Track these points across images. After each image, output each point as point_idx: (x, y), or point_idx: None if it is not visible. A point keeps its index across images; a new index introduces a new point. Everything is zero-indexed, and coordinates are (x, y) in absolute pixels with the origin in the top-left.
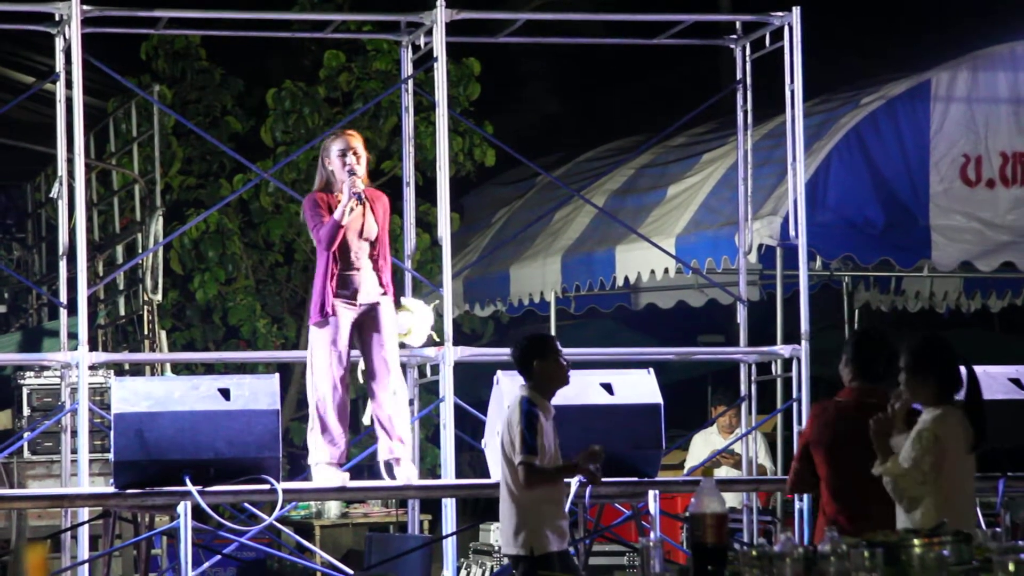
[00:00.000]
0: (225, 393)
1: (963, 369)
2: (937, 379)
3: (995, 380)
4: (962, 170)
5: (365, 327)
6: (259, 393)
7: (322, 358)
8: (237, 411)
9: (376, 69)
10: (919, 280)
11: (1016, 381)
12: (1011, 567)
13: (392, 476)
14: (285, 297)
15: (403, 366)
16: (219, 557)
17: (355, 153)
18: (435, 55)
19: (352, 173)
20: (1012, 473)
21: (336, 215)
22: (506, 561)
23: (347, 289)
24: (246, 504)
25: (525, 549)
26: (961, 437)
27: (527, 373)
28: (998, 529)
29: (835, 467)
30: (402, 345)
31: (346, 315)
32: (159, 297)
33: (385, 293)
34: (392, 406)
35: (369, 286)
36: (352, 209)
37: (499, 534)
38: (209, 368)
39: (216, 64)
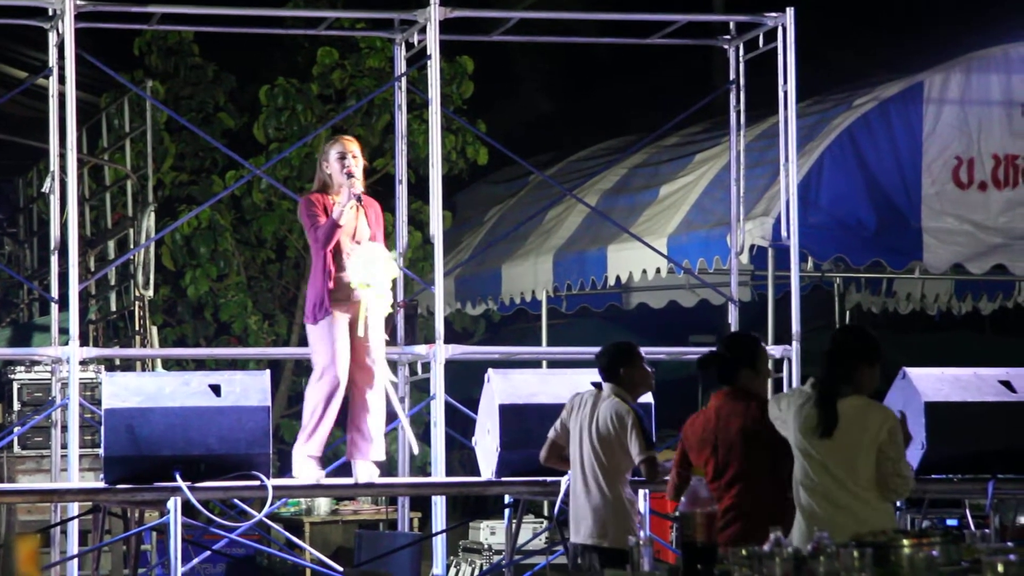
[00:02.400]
0: (216, 389)
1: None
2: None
3: (985, 383)
4: (954, 172)
5: (354, 326)
6: (250, 390)
7: (321, 355)
8: (228, 407)
9: (369, 66)
10: (910, 282)
11: (1006, 384)
12: (1000, 568)
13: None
14: (277, 294)
15: (394, 364)
16: (208, 553)
17: (353, 156)
18: (428, 53)
19: (351, 176)
20: (1001, 475)
21: (334, 215)
22: (496, 559)
23: (340, 289)
24: (236, 500)
25: (619, 543)
26: None
27: (615, 379)
28: (987, 530)
29: (704, 468)
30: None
31: (341, 314)
32: (150, 293)
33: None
34: (376, 405)
35: (363, 312)
36: (352, 208)
37: (579, 527)
38: (200, 364)
39: (209, 60)
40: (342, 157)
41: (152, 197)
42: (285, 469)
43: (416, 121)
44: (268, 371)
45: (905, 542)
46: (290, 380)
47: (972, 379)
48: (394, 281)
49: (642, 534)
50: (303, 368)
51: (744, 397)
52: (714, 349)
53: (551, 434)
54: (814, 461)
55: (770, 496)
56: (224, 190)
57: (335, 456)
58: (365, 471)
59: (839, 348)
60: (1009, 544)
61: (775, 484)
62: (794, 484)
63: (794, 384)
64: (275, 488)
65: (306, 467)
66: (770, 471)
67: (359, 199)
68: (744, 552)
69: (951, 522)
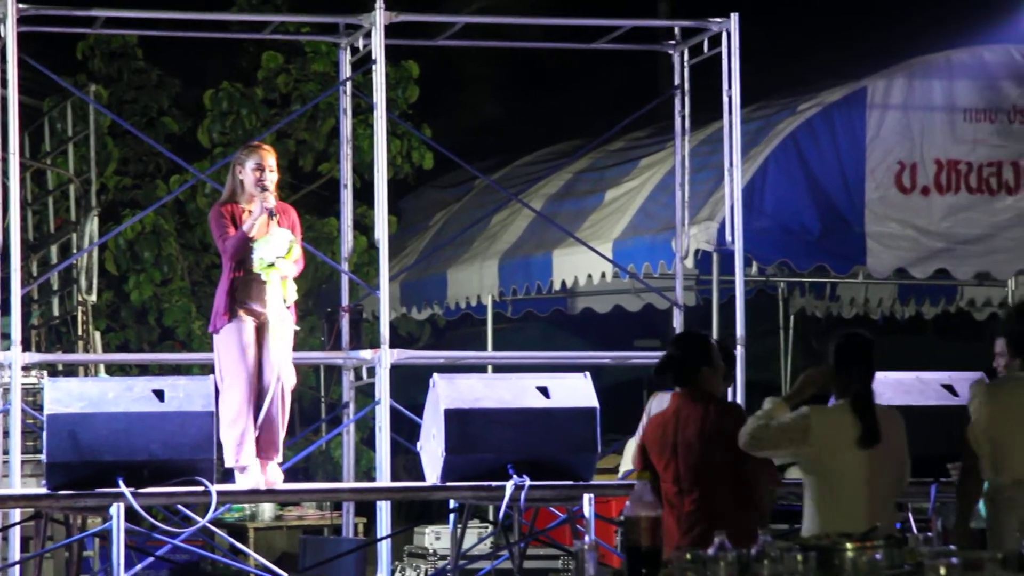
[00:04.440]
0: (159, 395)
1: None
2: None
3: (928, 386)
4: (897, 177)
5: (263, 331)
6: (194, 395)
7: (228, 364)
8: (171, 413)
9: (314, 71)
10: (854, 286)
11: (949, 387)
12: (942, 571)
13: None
14: None
15: (339, 369)
16: (152, 559)
17: (270, 170)
18: (373, 57)
19: (264, 189)
20: (944, 479)
21: (245, 227)
22: (441, 564)
23: (246, 293)
24: (179, 506)
25: None
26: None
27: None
28: (930, 534)
29: (662, 471)
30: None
31: (248, 322)
32: (94, 298)
33: (288, 306)
34: (280, 413)
35: (270, 297)
36: (263, 222)
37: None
38: (143, 369)
39: (153, 64)
40: (259, 169)
41: (95, 201)
42: (229, 475)
43: (361, 126)
44: (212, 376)
45: (848, 545)
46: None
47: (915, 383)
48: (338, 285)
49: (587, 538)
50: None
51: (703, 399)
52: (665, 354)
53: None
54: (853, 470)
55: (731, 499)
56: (168, 195)
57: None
58: (274, 474)
59: (868, 353)
60: (951, 548)
61: (736, 487)
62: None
63: (739, 388)
64: (219, 493)
65: (246, 479)
66: (731, 474)
67: (272, 214)
68: (689, 556)
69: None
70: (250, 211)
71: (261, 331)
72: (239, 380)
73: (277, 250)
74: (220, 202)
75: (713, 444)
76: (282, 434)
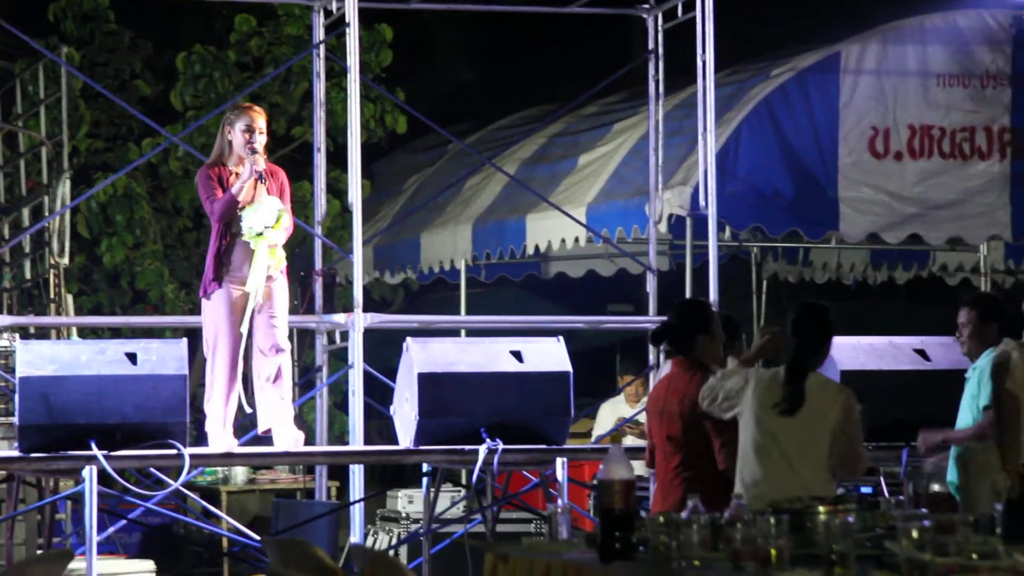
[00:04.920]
0: (132, 358)
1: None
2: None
3: (900, 351)
4: (870, 142)
5: (248, 299)
6: (166, 358)
7: (214, 330)
8: (144, 376)
9: (287, 34)
10: (827, 251)
11: (921, 352)
12: (914, 534)
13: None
14: (193, 262)
15: (312, 332)
16: (124, 522)
17: (260, 132)
18: (347, 20)
19: (254, 151)
20: (915, 443)
21: (233, 190)
22: (414, 528)
23: (233, 261)
24: (152, 469)
25: None
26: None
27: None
28: (902, 497)
29: (656, 435)
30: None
31: (235, 289)
32: (66, 261)
33: (279, 272)
34: (286, 370)
35: (257, 265)
36: (251, 184)
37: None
38: (116, 333)
39: (125, 27)
40: (249, 131)
41: (67, 164)
42: (201, 438)
43: (334, 89)
44: (185, 339)
45: (821, 509)
46: None
47: (887, 348)
48: (311, 248)
49: (560, 502)
50: None
51: (694, 368)
52: (664, 321)
53: None
54: (771, 436)
55: (713, 466)
56: (140, 158)
57: (253, 424)
58: (287, 437)
59: (813, 325)
60: (923, 511)
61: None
62: (744, 456)
63: None
64: (192, 457)
65: (223, 444)
66: (712, 442)
67: (261, 177)
68: (662, 519)
69: (866, 489)
70: (238, 173)
71: (249, 298)
72: (226, 348)
73: (265, 220)
74: (208, 163)
75: (696, 413)
76: (286, 397)
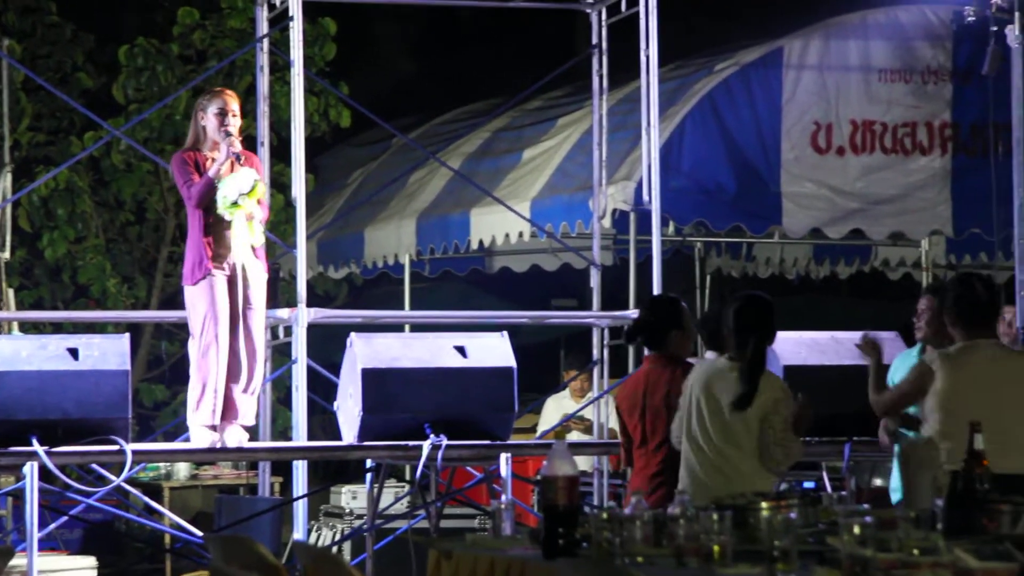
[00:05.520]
0: (74, 353)
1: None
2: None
3: (842, 346)
4: (813, 137)
5: (234, 286)
6: (108, 353)
7: (199, 316)
8: (86, 371)
9: (231, 27)
10: (770, 246)
11: None
12: (856, 529)
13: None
14: (136, 257)
15: None
16: (66, 518)
17: (233, 115)
18: (290, 14)
19: (228, 134)
20: (858, 438)
21: (210, 173)
22: (357, 523)
23: (219, 247)
24: (94, 465)
25: None
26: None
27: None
28: (844, 492)
29: (631, 432)
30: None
31: (220, 274)
32: (7, 255)
33: (256, 255)
34: (254, 368)
35: (237, 239)
36: (228, 166)
37: None
38: (57, 327)
39: (67, 19)
40: (222, 114)
41: (8, 158)
42: (144, 433)
43: (278, 83)
44: (127, 334)
45: (763, 504)
46: (149, 344)
47: (830, 343)
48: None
49: (504, 498)
50: (163, 331)
51: (671, 363)
52: (637, 317)
53: None
54: (710, 428)
55: None
56: (82, 151)
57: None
58: (234, 436)
59: (762, 320)
60: (865, 506)
61: None
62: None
63: None
64: (134, 452)
65: (202, 437)
66: None
67: (238, 158)
68: (605, 515)
69: (808, 485)
70: (214, 158)
71: (233, 282)
72: (209, 337)
73: (240, 186)
74: (183, 149)
75: (676, 409)
76: (247, 394)
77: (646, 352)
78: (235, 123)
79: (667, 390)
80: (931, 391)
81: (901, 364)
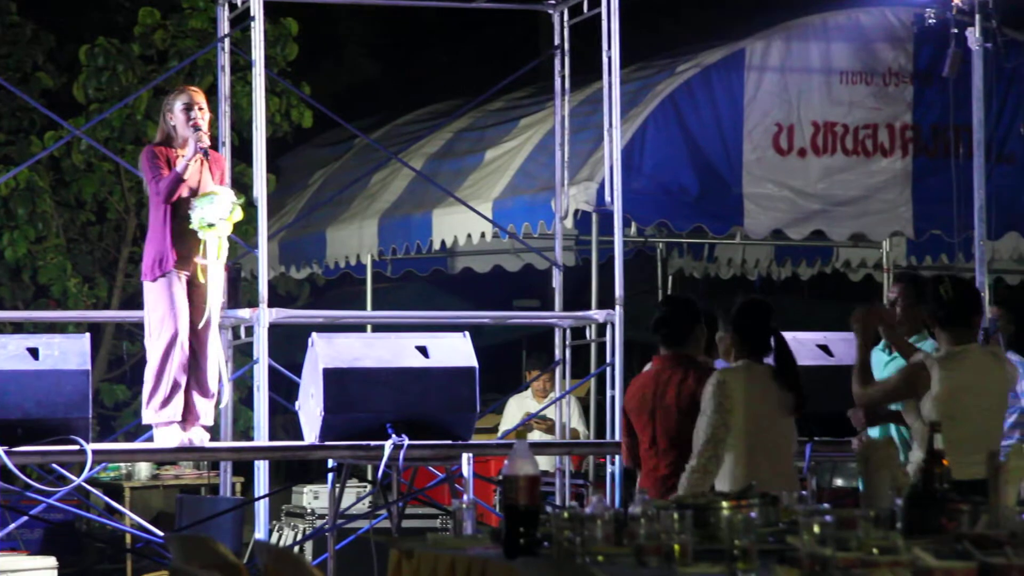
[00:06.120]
0: (34, 352)
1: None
2: (740, 337)
3: (804, 346)
4: (774, 139)
5: (195, 286)
6: (69, 353)
7: (158, 313)
8: (46, 371)
9: (192, 27)
10: (731, 247)
11: (824, 347)
12: (816, 529)
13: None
14: (97, 256)
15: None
16: (26, 518)
17: (199, 108)
18: (252, 14)
19: (197, 128)
20: (819, 438)
21: (179, 168)
22: (319, 523)
23: (182, 246)
24: (54, 465)
25: None
26: (770, 395)
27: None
28: (804, 492)
29: (640, 433)
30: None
31: (181, 272)
32: None
33: (221, 264)
34: (210, 368)
35: (206, 256)
36: (197, 162)
37: None
38: (18, 327)
39: (27, 19)
40: (188, 108)
41: None
42: (105, 433)
43: (240, 83)
44: (88, 334)
45: (724, 504)
46: (110, 344)
47: (791, 343)
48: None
49: (465, 497)
50: (124, 331)
51: (684, 363)
52: (658, 315)
53: None
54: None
55: None
56: (43, 151)
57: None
58: (195, 436)
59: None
60: (825, 506)
61: None
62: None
63: (617, 348)
64: (94, 452)
65: (167, 435)
66: None
67: (206, 153)
68: (566, 514)
69: None
70: (182, 155)
71: (193, 283)
72: (166, 336)
73: (220, 212)
74: (153, 143)
75: (691, 410)
76: (207, 394)
77: (662, 350)
78: (204, 117)
79: (679, 391)
80: (927, 396)
81: (874, 355)
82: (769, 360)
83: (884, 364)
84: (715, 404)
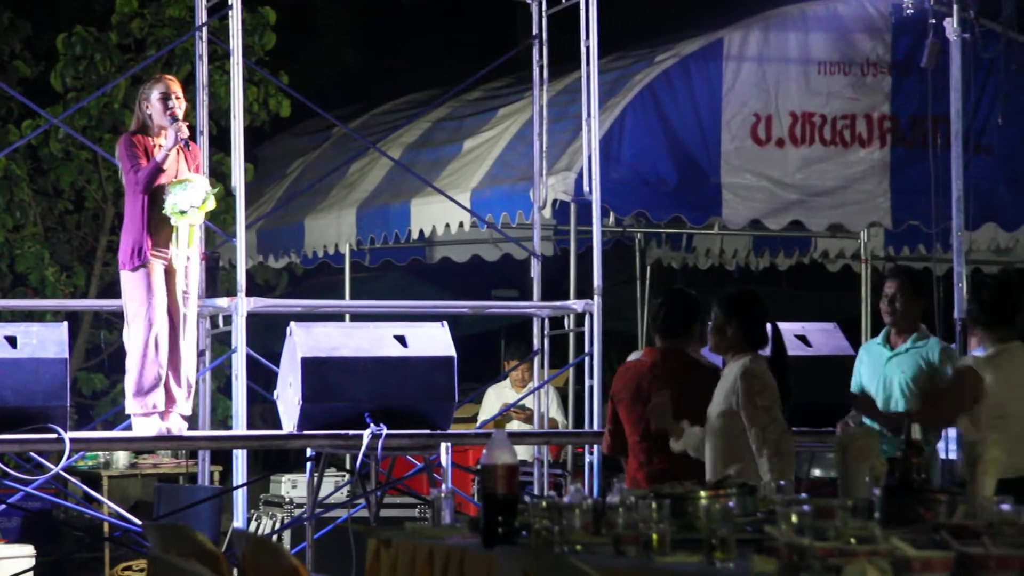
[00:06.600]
0: (12, 341)
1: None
2: (743, 329)
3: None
4: (753, 129)
5: (171, 276)
6: (47, 341)
7: (138, 305)
8: (24, 359)
9: (170, 16)
10: (710, 237)
11: (802, 338)
12: (793, 518)
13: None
14: (75, 245)
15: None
16: (4, 507)
17: (177, 98)
18: (230, 3)
19: (175, 118)
20: (795, 428)
21: (158, 158)
22: (297, 512)
23: (159, 235)
24: (32, 454)
25: None
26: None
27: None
28: (782, 482)
29: (632, 424)
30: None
31: (158, 263)
32: None
33: (194, 254)
34: (187, 357)
35: (176, 243)
36: (176, 152)
37: None
38: None
39: (4, 7)
40: (165, 98)
41: None
42: (83, 422)
43: (217, 72)
44: (66, 323)
45: (702, 493)
46: (88, 332)
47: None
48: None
49: (444, 487)
50: (102, 320)
51: (684, 361)
52: (663, 308)
53: None
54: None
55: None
56: (20, 139)
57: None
58: (173, 425)
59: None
60: (803, 496)
61: None
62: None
63: (595, 338)
64: (72, 441)
65: (146, 424)
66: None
67: (187, 144)
68: (544, 504)
69: None
70: (160, 144)
71: (170, 272)
72: (143, 324)
73: (192, 199)
74: (130, 131)
75: (687, 404)
76: (183, 383)
77: (658, 342)
78: (181, 106)
79: (681, 390)
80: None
81: (867, 354)
82: (765, 351)
83: (886, 359)
84: (767, 392)
